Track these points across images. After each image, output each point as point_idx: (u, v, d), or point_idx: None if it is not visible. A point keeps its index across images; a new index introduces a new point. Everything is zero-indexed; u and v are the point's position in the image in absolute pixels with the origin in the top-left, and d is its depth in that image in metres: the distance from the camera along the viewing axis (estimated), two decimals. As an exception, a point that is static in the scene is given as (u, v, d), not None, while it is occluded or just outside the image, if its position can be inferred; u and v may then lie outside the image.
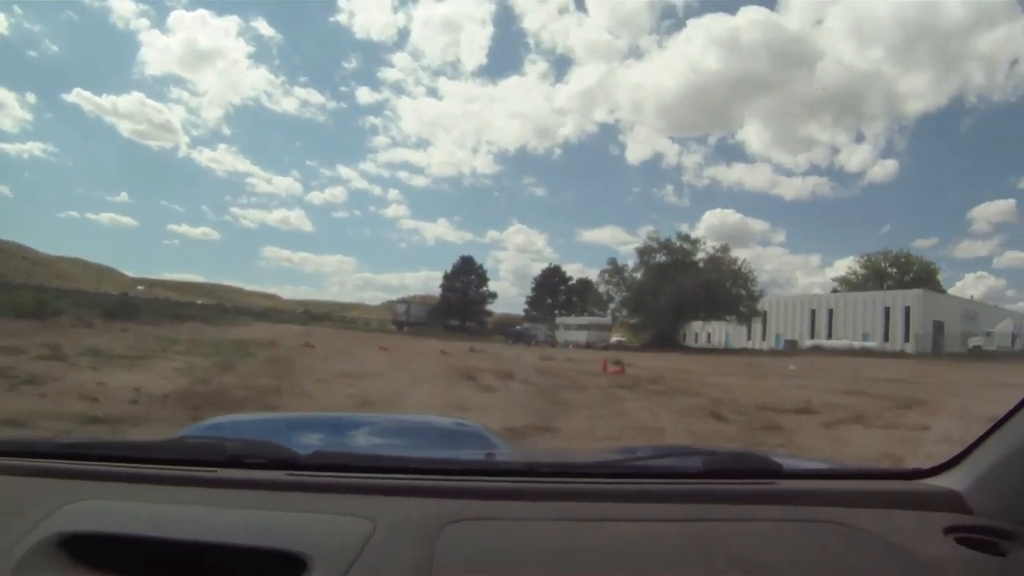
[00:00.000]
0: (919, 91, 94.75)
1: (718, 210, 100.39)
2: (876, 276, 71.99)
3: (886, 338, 55.31)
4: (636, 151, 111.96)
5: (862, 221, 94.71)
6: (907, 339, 54.56)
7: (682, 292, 56.07)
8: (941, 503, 1.36)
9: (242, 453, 1.50)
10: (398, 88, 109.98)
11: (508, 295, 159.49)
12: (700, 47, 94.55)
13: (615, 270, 64.82)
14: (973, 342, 54.33)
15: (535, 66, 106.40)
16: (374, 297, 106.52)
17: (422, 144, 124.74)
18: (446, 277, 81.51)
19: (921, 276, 69.98)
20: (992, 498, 1.33)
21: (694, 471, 1.47)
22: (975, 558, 1.16)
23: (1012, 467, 1.32)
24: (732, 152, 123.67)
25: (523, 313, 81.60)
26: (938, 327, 55.72)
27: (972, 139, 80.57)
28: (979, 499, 1.34)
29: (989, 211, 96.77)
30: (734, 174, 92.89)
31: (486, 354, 30.35)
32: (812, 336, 60.28)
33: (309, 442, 1.77)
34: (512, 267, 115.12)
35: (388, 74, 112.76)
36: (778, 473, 1.47)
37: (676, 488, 1.42)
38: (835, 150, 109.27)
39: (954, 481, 1.41)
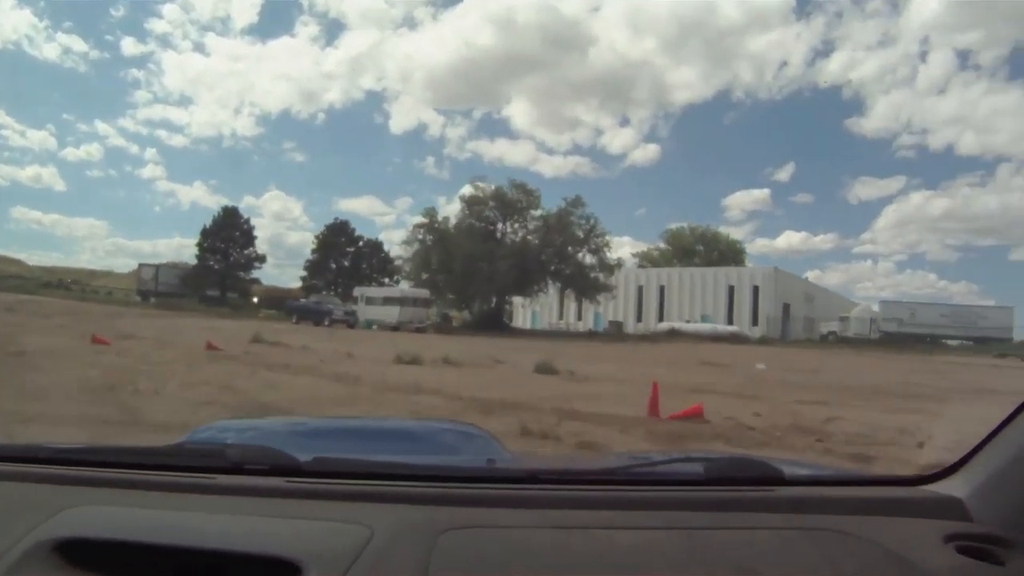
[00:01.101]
0: (687, 83, 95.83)
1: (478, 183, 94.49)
2: (683, 253, 69.25)
3: (730, 320, 50.31)
4: (400, 121, 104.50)
5: (620, 202, 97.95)
6: (755, 322, 49.21)
7: (522, 257, 45.09)
8: (942, 510, 1.35)
9: (242, 459, 1.49)
10: (164, 41, 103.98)
11: (264, 266, 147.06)
12: (475, 22, 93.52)
13: (431, 226, 49.12)
14: (827, 327, 51.22)
15: (307, 28, 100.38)
16: (125, 265, 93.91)
17: (184, 102, 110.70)
18: (204, 234, 62.54)
19: (727, 255, 67.11)
20: (993, 505, 1.32)
21: (695, 478, 1.47)
22: (975, 567, 1.15)
23: (1013, 473, 1.32)
24: (497, 127, 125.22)
25: (300, 283, 65.09)
26: (786, 310, 51.37)
27: (734, 131, 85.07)
28: (980, 506, 1.33)
29: (744, 199, 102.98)
30: (497, 149, 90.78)
31: (289, 351, 18.91)
32: (639, 318, 53.17)
33: (310, 447, 1.63)
34: (268, 235, 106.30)
35: (156, 25, 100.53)
36: (779, 480, 1.46)
37: (677, 495, 1.41)
38: (599, 132, 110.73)
39: (955, 487, 1.40)
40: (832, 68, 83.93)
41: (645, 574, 1.11)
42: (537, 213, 48.96)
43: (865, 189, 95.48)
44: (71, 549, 1.18)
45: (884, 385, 16.50)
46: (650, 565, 1.13)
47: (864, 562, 1.15)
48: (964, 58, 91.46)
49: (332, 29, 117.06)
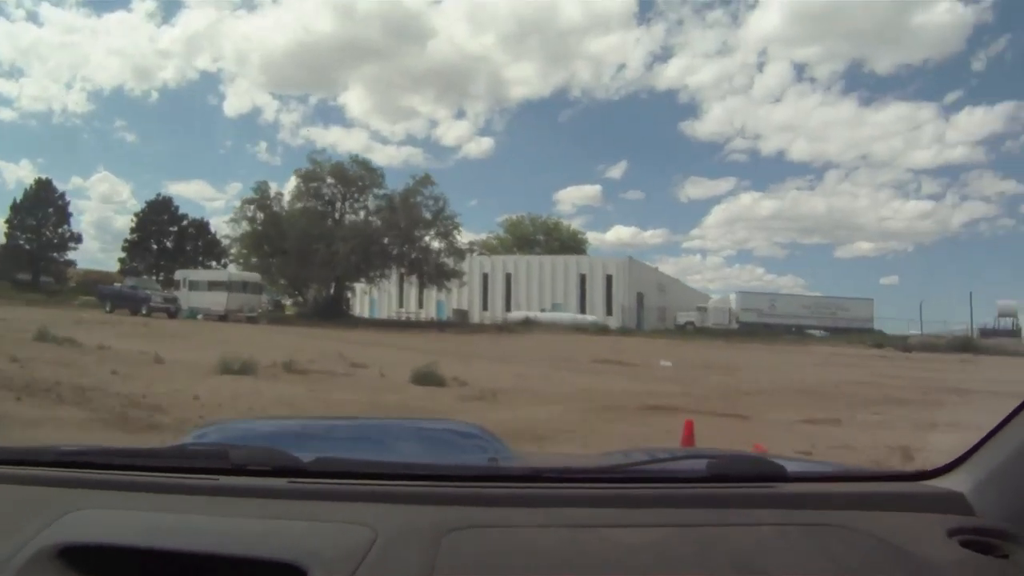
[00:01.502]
0: (525, 79, 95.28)
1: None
2: (524, 243, 67.78)
3: (581, 309, 48.30)
4: (235, 103, 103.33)
5: (452, 193, 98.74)
6: (608, 311, 47.49)
7: (364, 239, 39.91)
8: (944, 505, 1.35)
9: (245, 460, 1.48)
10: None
11: (89, 251, 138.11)
12: (315, 7, 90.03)
13: (262, 203, 42.84)
14: (684, 317, 50.58)
15: (144, 3, 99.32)
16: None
17: (15, 73, 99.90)
18: (14, 210, 52.99)
19: (569, 245, 66.33)
20: (996, 500, 1.32)
21: (697, 475, 1.47)
22: (978, 561, 1.16)
23: (1016, 468, 1.32)
24: (332, 114, 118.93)
25: (119, 265, 55.75)
26: (640, 299, 50.19)
27: (569, 128, 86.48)
28: (983, 501, 1.34)
29: (575, 194, 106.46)
30: (331, 136, 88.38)
31: (76, 354, 13.21)
32: (485, 307, 50.06)
33: (312, 448, 1.66)
34: (95, 219, 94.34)
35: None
36: (781, 476, 1.46)
37: (680, 492, 1.41)
38: (434, 123, 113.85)
39: (958, 483, 1.40)
40: (670, 73, 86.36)
41: (649, 572, 1.12)
42: (380, 192, 44.18)
43: (696, 188, 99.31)
44: (75, 553, 1.18)
45: (852, 386, 14.71)
46: (654, 562, 1.13)
47: (867, 556, 1.16)
48: (801, 71, 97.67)
49: (170, 6, 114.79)
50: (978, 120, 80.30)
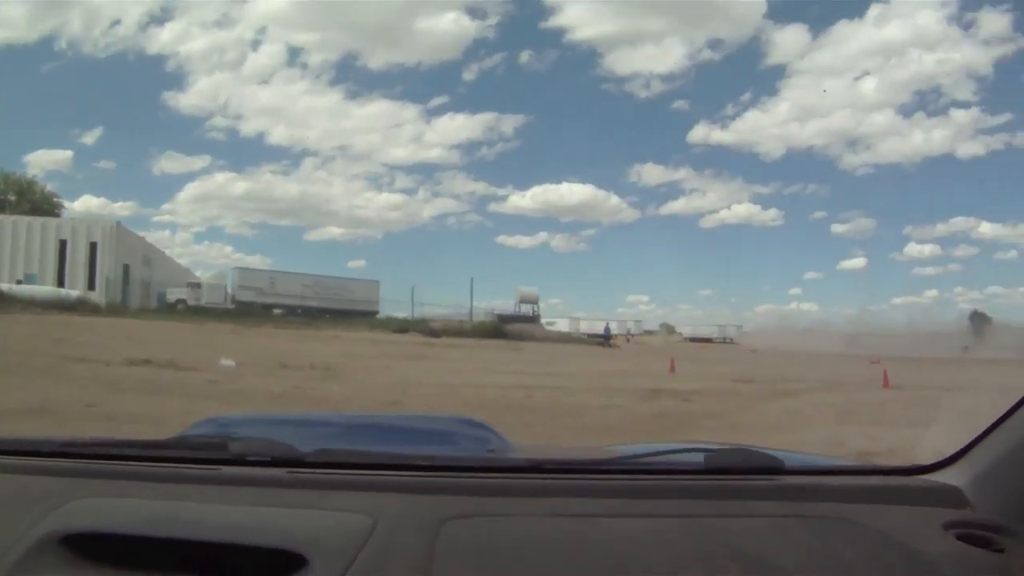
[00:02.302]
0: (9, 19, 77.70)
1: None
2: None
3: (60, 281, 40.86)
4: None
5: None
6: (91, 285, 42.94)
7: None
8: (941, 499, 1.36)
9: (245, 451, 1.49)
10: None
11: None
12: None
13: None
14: (174, 294, 46.65)
15: None
16: None
17: None
18: None
19: (41, 207, 58.39)
20: (993, 494, 1.33)
21: (695, 467, 1.48)
22: (974, 554, 1.17)
23: (1013, 463, 1.33)
24: None
25: None
26: (127, 272, 46.00)
27: (48, 83, 72.57)
28: (980, 495, 1.35)
29: (45, 158, 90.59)
30: None
31: None
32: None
33: (311, 440, 1.62)
34: None
35: None
36: (779, 469, 1.47)
37: (678, 484, 1.41)
38: None
39: (955, 477, 1.42)
40: (164, 37, 77.76)
41: (647, 563, 1.12)
42: None
43: (171, 163, 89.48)
44: (76, 542, 1.19)
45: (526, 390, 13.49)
46: (652, 553, 1.15)
47: (864, 549, 1.17)
48: (295, 55, 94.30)
49: None
50: (458, 126, 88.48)
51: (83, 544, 1.19)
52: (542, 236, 77.22)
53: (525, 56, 70.76)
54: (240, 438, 1.57)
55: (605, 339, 48.11)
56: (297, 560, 1.10)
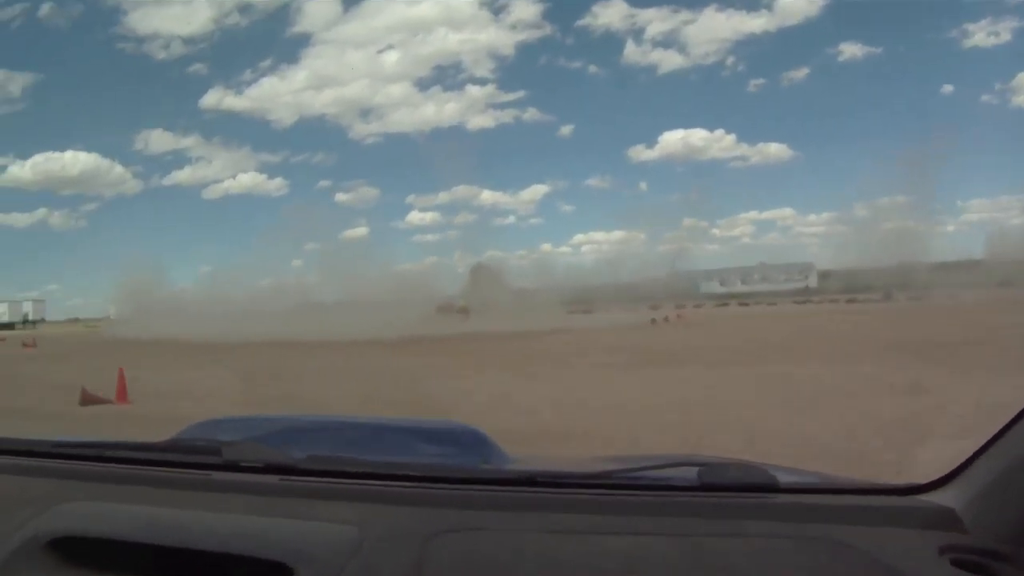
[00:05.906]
0: None
1: None
2: None
3: None
4: None
5: None
6: None
7: None
8: (937, 521, 1.34)
9: (237, 457, 1.49)
10: None
11: None
12: None
13: None
14: None
15: None
16: None
17: None
18: None
19: None
20: (988, 517, 1.30)
21: (690, 484, 1.45)
22: None
23: (1009, 484, 1.30)
24: None
25: None
26: None
27: None
28: (975, 517, 1.32)
29: None
30: None
31: None
32: None
33: (305, 445, 1.62)
34: None
35: None
36: (773, 487, 1.44)
37: (671, 501, 1.40)
38: None
39: (950, 498, 1.39)
40: None
41: None
42: None
43: None
44: (63, 544, 1.19)
45: None
46: (643, 571, 1.14)
47: (857, 572, 1.16)
48: None
49: None
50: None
51: (68, 548, 1.19)
52: (41, 212, 72.88)
53: (46, 8, 65.99)
54: (233, 443, 1.56)
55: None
56: (284, 571, 1.11)
